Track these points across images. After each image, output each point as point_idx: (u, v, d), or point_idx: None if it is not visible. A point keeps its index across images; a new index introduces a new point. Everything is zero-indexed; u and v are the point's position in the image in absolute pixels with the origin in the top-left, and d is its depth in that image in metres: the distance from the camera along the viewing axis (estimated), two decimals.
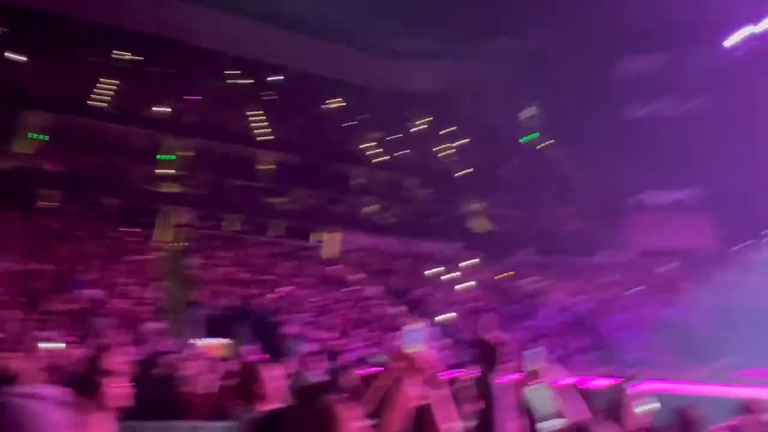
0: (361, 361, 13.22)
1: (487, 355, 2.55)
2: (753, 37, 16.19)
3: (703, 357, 15.82)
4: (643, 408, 4.52)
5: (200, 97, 27.23)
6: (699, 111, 25.82)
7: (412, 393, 2.55)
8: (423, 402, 2.47)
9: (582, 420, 2.31)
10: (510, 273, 24.18)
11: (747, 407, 3.52)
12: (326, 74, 30.70)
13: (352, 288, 20.88)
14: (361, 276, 22.18)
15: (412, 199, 29.76)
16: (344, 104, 31.69)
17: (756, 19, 15.88)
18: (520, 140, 33.16)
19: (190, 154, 26.01)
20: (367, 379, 3.12)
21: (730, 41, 16.56)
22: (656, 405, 3.93)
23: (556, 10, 26.40)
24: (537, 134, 33.02)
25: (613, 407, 4.15)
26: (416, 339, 2.41)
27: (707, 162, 22.68)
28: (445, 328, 18.66)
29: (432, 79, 31.69)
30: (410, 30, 30.42)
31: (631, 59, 27.68)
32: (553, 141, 31.95)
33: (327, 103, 31.60)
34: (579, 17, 26.58)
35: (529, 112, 33.38)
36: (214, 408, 4.22)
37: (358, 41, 30.84)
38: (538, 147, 32.88)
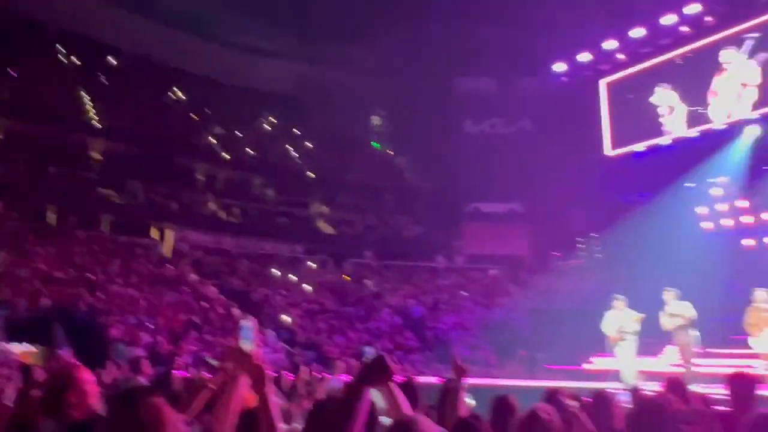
0: (194, 365, 12.59)
1: (326, 358, 2.57)
2: (574, 67, 18.18)
3: (521, 354, 17.41)
4: (468, 401, 4.79)
5: (16, 74, 24.09)
6: (525, 130, 28.47)
7: (245, 393, 2.45)
8: (256, 403, 2.39)
9: (405, 415, 2.38)
10: (348, 276, 24.66)
11: (550, 395, 3.91)
12: (171, 63, 28.88)
13: (188, 289, 19.84)
14: (198, 276, 21.17)
15: (257, 199, 29.12)
16: (189, 96, 30.04)
17: (578, 51, 17.88)
18: (368, 146, 33.99)
19: None
20: (198, 382, 2.95)
21: (555, 68, 18.43)
22: (473, 400, 4.20)
23: (405, 24, 27.53)
24: (383, 141, 34.10)
25: (441, 402, 4.37)
26: (249, 336, 2.33)
27: (531, 177, 25.05)
28: (285, 330, 18.49)
29: (284, 79, 31.29)
30: (266, 28, 29.79)
31: (468, 78, 29.69)
32: (397, 149, 33.21)
33: (171, 94, 29.77)
34: (425, 33, 28.03)
35: (377, 119, 34.37)
36: (15, 421, 3.71)
37: (209, 32, 29.44)
38: (384, 154, 33.97)
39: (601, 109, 18.24)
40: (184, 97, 29.95)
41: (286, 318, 19.36)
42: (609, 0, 17.49)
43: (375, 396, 3.68)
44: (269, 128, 32.04)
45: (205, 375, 2.93)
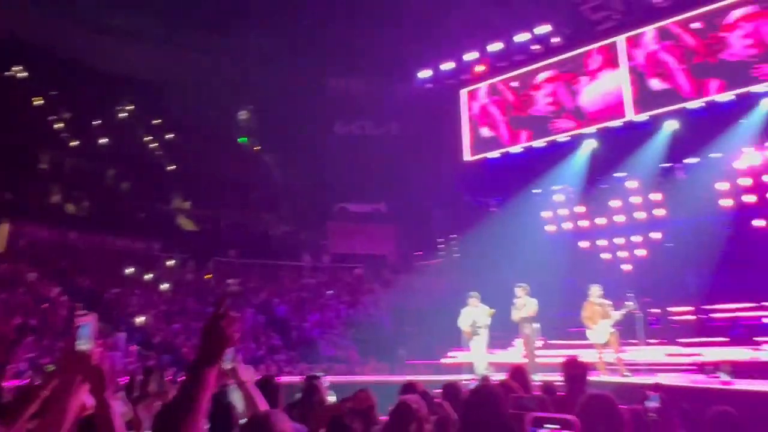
0: (28, 372, 11.43)
1: (184, 361, 2.38)
2: (438, 75, 18.95)
3: (384, 350, 17.83)
4: (331, 398, 4.79)
5: None
6: (392, 133, 29.22)
7: (82, 399, 2.22)
8: (96, 410, 2.18)
9: (261, 413, 2.32)
10: (210, 275, 23.71)
11: (409, 387, 4.04)
12: (10, 34, 25.62)
13: (26, 288, 17.87)
14: (38, 275, 19.15)
15: (110, 191, 26.99)
16: (32, 75, 26.97)
17: (442, 60, 18.64)
18: (234, 140, 32.92)
19: None
20: (28, 391, 2.64)
21: (421, 75, 19.09)
22: (334, 396, 4.21)
23: (278, 17, 26.94)
24: (251, 137, 33.21)
25: (305, 400, 4.32)
26: (87, 335, 2.10)
27: (396, 179, 25.77)
28: (139, 332, 17.36)
29: (146, 65, 29.13)
30: (130, 9, 27.33)
31: (339, 79, 29.87)
32: (265, 145, 32.51)
33: (10, 72, 26.59)
34: (299, 28, 27.67)
35: (244, 113, 33.38)
36: None
37: (61, 5, 26.38)
38: (251, 149, 33.09)
39: (461, 116, 19.21)
40: (26, 75, 26.87)
41: (140, 319, 18.14)
42: (471, 14, 18.44)
43: (235, 398, 3.54)
44: (126, 116, 29.83)
45: (38, 382, 2.61)
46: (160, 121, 30.19)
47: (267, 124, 31.86)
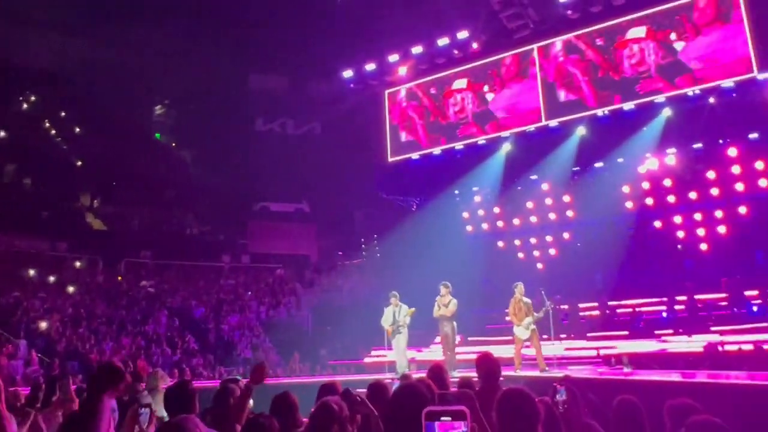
0: None
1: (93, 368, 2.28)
2: (362, 75, 18.98)
3: (305, 351, 17.70)
4: (249, 402, 4.70)
5: None
6: (314, 132, 29.06)
7: None
8: None
9: (175, 418, 2.25)
10: (121, 277, 22.64)
11: (330, 388, 4.04)
12: None
13: None
14: None
15: (10, 188, 25.15)
16: None
17: (366, 60, 18.68)
18: (149, 136, 31.57)
19: None
20: None
21: (344, 75, 19.05)
22: (252, 399, 4.14)
23: (201, 9, 26.01)
24: (167, 133, 31.98)
25: (220, 404, 4.21)
26: None
27: (319, 179, 25.65)
28: (42, 338, 16.29)
29: (55, 55, 27.29)
30: None
31: (262, 75, 29.34)
32: (182, 142, 31.41)
33: None
34: (221, 22, 26.87)
35: (160, 108, 32.09)
36: None
37: None
38: (167, 145, 31.87)
39: (384, 117, 19.37)
40: None
41: (43, 325, 17.00)
42: (395, 16, 18.60)
43: (157, 404, 3.40)
44: (28, 108, 27.89)
45: None
46: (65, 114, 28.45)
47: (185, 120, 30.81)
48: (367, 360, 15.10)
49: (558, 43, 16.38)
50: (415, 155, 18.78)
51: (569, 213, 17.75)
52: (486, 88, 17.56)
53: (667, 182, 16.12)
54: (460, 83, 18.04)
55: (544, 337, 11.80)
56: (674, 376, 8.87)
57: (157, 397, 5.52)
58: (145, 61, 28.12)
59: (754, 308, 13.49)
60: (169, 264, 24.64)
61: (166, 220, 28.34)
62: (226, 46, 26.74)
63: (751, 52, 13.47)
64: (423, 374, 5.33)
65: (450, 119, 18.13)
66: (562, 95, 16.21)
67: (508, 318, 11.98)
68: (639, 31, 15.06)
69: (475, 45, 17.47)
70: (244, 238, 28.06)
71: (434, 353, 13.90)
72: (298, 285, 23.29)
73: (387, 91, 19.45)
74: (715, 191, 15.52)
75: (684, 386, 7.82)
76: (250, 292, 22.18)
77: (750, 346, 11.26)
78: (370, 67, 18.76)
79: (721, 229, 15.43)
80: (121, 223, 27.37)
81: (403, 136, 19.13)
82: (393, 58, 18.41)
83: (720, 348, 11.46)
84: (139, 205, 27.89)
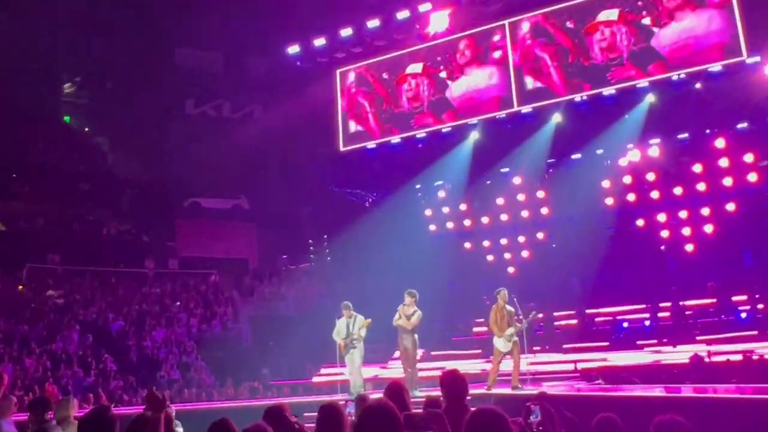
0: None
1: None
2: (310, 51, 18.85)
3: (244, 370, 17.53)
4: (179, 430, 4.63)
5: None
6: (254, 116, 28.73)
7: None
8: None
9: None
10: (23, 286, 21.93)
11: (273, 414, 4.04)
12: None
13: None
14: None
15: None
16: None
17: (314, 35, 18.56)
18: (56, 120, 30.61)
19: None
20: None
21: (289, 51, 18.88)
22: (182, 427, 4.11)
23: None
24: (78, 116, 31.09)
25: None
26: None
27: (260, 170, 25.38)
28: None
29: None
30: None
31: (191, 50, 28.80)
32: (97, 127, 30.61)
33: None
34: None
35: (69, 86, 31.13)
36: None
37: None
38: (78, 131, 31.01)
39: (336, 100, 19.28)
40: None
41: None
42: None
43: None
44: None
45: None
46: None
47: (100, 101, 29.98)
48: (316, 379, 15.07)
49: (526, 23, 16.70)
50: (371, 144, 18.82)
51: (544, 210, 18.13)
52: (444, 74, 17.75)
53: (651, 176, 16.67)
54: (415, 68, 18.19)
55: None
56: (658, 391, 9.19)
57: (69, 428, 5.43)
58: (52, 31, 27.21)
59: (743, 315, 14.11)
60: (82, 270, 23.95)
61: (78, 219, 27.56)
62: (147, 15, 26.16)
63: (740, 35, 14.05)
64: (379, 394, 5.35)
65: (403, 108, 18.24)
66: (530, 82, 16.56)
67: (485, 328, 11.97)
68: (611, 14, 15.54)
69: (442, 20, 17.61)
70: (171, 240, 27.57)
71: (394, 371, 13.96)
72: (235, 293, 23.04)
73: (338, 70, 19.40)
74: (701, 186, 16.13)
75: (669, 401, 8.12)
76: (178, 303, 21.81)
77: (739, 357, 11.75)
78: (320, 42, 18.69)
79: (708, 228, 16.05)
80: (22, 222, 26.50)
81: (352, 126, 19.13)
82: (346, 32, 18.38)
83: (707, 359, 11.94)
84: (45, 201, 27.03)
